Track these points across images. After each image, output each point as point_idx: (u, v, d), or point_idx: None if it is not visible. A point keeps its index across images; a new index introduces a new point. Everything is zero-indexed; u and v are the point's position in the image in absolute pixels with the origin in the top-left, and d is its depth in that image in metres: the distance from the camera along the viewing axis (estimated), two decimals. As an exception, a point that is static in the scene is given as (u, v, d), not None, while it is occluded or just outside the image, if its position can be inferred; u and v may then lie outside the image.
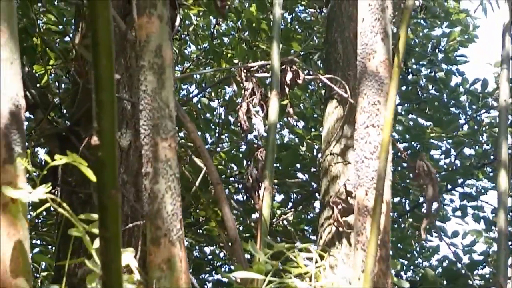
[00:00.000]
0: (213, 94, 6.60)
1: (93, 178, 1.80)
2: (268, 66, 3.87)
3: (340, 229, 3.46)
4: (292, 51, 5.98)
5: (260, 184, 3.45)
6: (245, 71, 3.47)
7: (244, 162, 6.77)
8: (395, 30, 2.49)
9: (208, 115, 6.68)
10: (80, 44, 3.50)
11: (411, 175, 2.79)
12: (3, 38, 1.85)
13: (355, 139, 2.22)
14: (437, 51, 7.25)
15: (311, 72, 4.10)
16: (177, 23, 3.62)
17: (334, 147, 4.04)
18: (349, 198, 3.43)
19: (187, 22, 6.40)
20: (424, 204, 7.42)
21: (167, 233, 2.00)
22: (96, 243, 1.90)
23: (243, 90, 3.62)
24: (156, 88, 2.06)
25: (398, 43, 2.13)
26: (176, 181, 2.07)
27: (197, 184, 3.87)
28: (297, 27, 7.52)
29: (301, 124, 7.24)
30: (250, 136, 6.63)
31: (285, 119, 6.48)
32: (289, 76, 3.36)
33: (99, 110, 1.35)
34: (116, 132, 1.42)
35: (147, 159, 2.06)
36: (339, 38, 4.38)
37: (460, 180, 7.03)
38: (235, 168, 7.04)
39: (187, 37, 6.65)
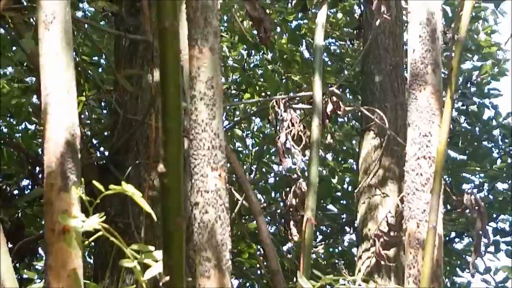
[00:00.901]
0: (243, 125, 6.61)
1: (148, 210, 1.80)
2: (303, 98, 3.88)
3: (382, 262, 3.42)
4: (330, 85, 5.99)
5: (297, 215, 3.42)
6: (284, 102, 3.47)
7: (273, 193, 6.76)
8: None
9: (237, 145, 6.69)
10: (121, 74, 3.53)
11: (457, 208, 2.77)
12: (61, 66, 1.87)
13: (405, 171, 2.19)
14: (469, 84, 7.21)
15: (351, 103, 4.10)
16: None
17: (371, 179, 4.01)
18: (391, 231, 3.40)
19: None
20: (456, 239, 7.33)
21: (217, 263, 1.99)
22: (147, 274, 1.88)
23: (282, 121, 3.62)
24: (207, 118, 2.07)
25: (451, 74, 2.12)
26: (226, 211, 2.06)
27: (233, 215, 3.85)
28: (327, 59, 7.54)
29: (329, 156, 7.23)
30: (277, 168, 6.63)
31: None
32: (329, 107, 3.36)
33: (166, 138, 1.36)
34: (182, 159, 1.41)
35: (197, 189, 2.05)
36: (376, 70, 4.39)
37: (493, 215, 6.93)
38: (264, 199, 7.02)
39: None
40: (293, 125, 3.57)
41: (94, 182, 1.84)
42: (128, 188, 1.83)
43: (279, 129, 3.67)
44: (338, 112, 3.37)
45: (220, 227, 2.04)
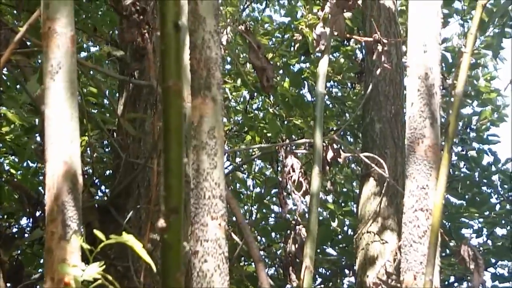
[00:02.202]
0: (245, 168, 6.65)
1: (148, 260, 1.82)
2: (306, 143, 3.91)
3: (381, 310, 3.42)
4: (330, 128, 6.03)
5: (297, 261, 3.44)
6: (285, 148, 3.51)
7: (273, 234, 6.76)
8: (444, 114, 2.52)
9: (238, 186, 6.71)
10: (124, 118, 3.58)
11: (456, 259, 2.77)
12: (65, 116, 1.91)
13: (403, 223, 2.22)
14: (468, 130, 7.26)
15: (350, 149, 4.13)
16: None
17: (371, 225, 4.02)
18: (389, 279, 3.40)
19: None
20: (455, 284, 7.30)
21: (216, 312, 2.00)
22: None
23: (283, 167, 3.65)
24: (208, 168, 2.10)
25: (448, 129, 2.15)
26: (225, 260, 2.08)
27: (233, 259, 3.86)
28: (329, 102, 7.60)
29: (330, 198, 7.24)
30: (278, 209, 6.64)
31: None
32: (330, 154, 3.40)
33: (167, 194, 1.39)
34: (182, 215, 1.44)
35: (197, 238, 2.08)
36: (376, 117, 4.43)
37: (492, 261, 6.92)
38: (264, 241, 7.01)
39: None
40: (293, 170, 3.60)
41: (95, 231, 1.86)
42: (128, 239, 1.85)
43: (281, 174, 3.70)
44: (339, 159, 3.41)
45: (219, 276, 2.06)
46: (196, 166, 2.10)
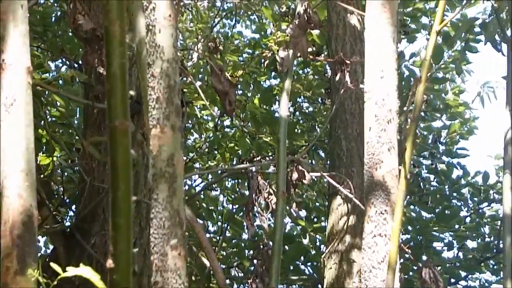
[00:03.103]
0: (217, 185, 6.64)
1: (105, 291, 1.81)
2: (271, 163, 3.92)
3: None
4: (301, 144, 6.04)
5: (264, 282, 3.44)
6: (251, 169, 3.52)
7: (246, 251, 6.75)
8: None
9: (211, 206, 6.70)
10: (88, 142, 3.56)
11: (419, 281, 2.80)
12: (20, 149, 1.90)
13: (363, 248, 2.24)
14: (438, 143, 7.33)
15: (317, 167, 4.16)
16: (183, 120, 3.69)
17: (339, 244, 4.04)
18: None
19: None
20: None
21: None
22: None
23: (250, 187, 3.66)
24: (167, 196, 2.10)
25: (404, 155, 2.18)
26: (185, 290, 2.08)
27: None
28: (299, 118, 7.63)
29: (303, 213, 7.25)
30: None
31: (287, 207, 6.48)
32: (295, 176, 3.41)
33: (115, 234, 1.39)
34: (131, 255, 1.44)
35: (157, 268, 2.07)
36: (343, 135, 4.46)
37: (463, 274, 6.98)
38: (236, 258, 7.00)
39: (191, 126, 6.75)
40: (260, 191, 3.60)
41: (52, 264, 1.85)
42: (85, 272, 1.84)
43: (248, 195, 3.71)
44: (304, 180, 3.42)
45: (179, 307, 2.06)
46: (155, 195, 2.10)
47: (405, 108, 2.26)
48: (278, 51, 3.38)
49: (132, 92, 3.43)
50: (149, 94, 2.19)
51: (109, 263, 1.37)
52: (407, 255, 6.92)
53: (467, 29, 5.53)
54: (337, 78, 3.47)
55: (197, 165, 7.03)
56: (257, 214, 3.54)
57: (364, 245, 2.22)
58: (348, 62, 3.50)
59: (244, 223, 6.82)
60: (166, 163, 2.12)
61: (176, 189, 2.11)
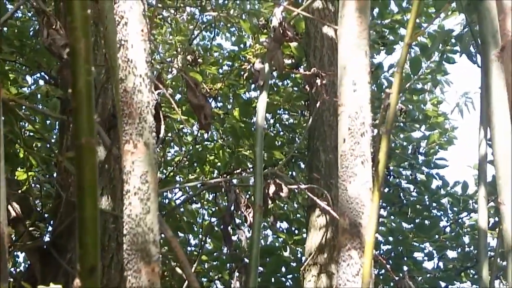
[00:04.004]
0: (196, 198, 6.62)
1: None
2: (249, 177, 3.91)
3: None
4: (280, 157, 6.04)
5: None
6: (228, 183, 3.51)
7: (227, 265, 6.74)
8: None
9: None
10: (64, 156, 3.54)
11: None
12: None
13: (338, 262, 2.23)
14: (417, 154, 7.37)
15: (294, 180, 4.16)
16: (161, 135, 3.68)
17: (317, 256, 4.04)
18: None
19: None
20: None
21: None
22: None
23: (227, 201, 3.65)
24: (141, 213, 2.09)
25: (377, 168, 2.18)
26: (159, 308, 2.06)
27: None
28: (280, 129, 7.65)
29: (284, 224, 7.25)
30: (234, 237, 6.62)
31: (268, 219, 6.48)
32: (272, 189, 3.41)
33: (83, 252, 1.38)
34: (99, 274, 1.43)
35: (131, 284, 2.05)
36: (321, 147, 4.47)
37: (443, 284, 7.00)
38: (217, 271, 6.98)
39: (171, 139, 6.74)
40: (237, 205, 3.59)
41: (23, 283, 1.83)
42: (56, 290, 1.83)
43: (225, 209, 3.69)
44: (281, 194, 3.42)
45: (153, 324, 2.04)
46: (128, 211, 2.08)
47: (377, 122, 2.26)
48: (253, 65, 3.38)
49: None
50: (122, 109, 2.18)
51: (76, 282, 1.35)
52: (389, 265, 6.94)
53: (444, 40, 5.56)
54: (313, 90, 3.48)
55: (177, 178, 7.02)
56: (235, 228, 3.53)
57: (339, 259, 2.21)
58: (324, 74, 3.51)
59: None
60: (139, 180, 2.11)
61: (150, 206, 2.10)
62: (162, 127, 3.66)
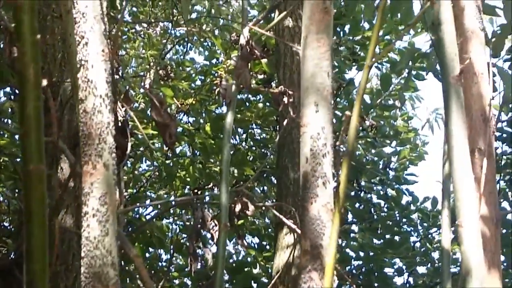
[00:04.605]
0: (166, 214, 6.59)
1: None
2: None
3: None
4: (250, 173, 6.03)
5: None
6: (194, 200, 3.50)
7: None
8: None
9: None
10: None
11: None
12: None
13: (299, 284, 2.23)
14: (388, 169, 7.42)
15: (266, 194, 4.15)
16: (128, 151, 3.65)
17: (285, 275, 4.03)
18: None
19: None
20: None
21: None
22: None
23: (194, 219, 3.63)
24: (100, 235, 2.07)
25: (338, 189, 2.18)
26: (117, 330, 2.04)
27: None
28: (251, 144, 7.65)
29: (255, 240, 7.23)
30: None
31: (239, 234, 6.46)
32: (238, 207, 3.40)
33: (31, 279, 1.36)
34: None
35: (88, 307, 2.03)
36: (290, 164, 4.47)
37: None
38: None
39: (142, 154, 6.70)
40: (204, 223, 3.58)
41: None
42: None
43: (191, 227, 3.68)
44: (247, 212, 3.41)
45: None
46: (86, 234, 2.06)
47: (337, 143, 2.27)
48: (220, 82, 3.38)
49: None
50: (81, 130, 2.16)
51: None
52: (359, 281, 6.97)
53: (413, 57, 5.61)
54: (280, 108, 3.49)
55: (148, 193, 6.99)
56: (201, 246, 3.52)
57: (300, 281, 2.21)
58: (291, 93, 3.52)
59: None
60: (98, 202, 2.09)
61: (108, 228, 2.08)
62: (129, 144, 3.63)
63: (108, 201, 2.11)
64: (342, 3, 6.97)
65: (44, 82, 1.27)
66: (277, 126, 7.18)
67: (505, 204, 6.26)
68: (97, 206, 2.09)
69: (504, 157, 5.98)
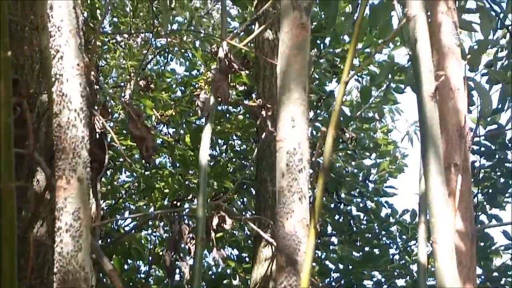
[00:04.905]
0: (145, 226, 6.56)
1: None
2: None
3: None
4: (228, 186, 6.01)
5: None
6: (170, 214, 3.48)
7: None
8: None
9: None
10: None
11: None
12: None
13: (274, 299, 2.22)
14: (367, 181, 7.44)
15: (246, 206, 4.14)
16: (105, 163, 3.63)
17: (262, 288, 4.02)
18: None
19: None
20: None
21: None
22: None
23: (171, 231, 3.61)
24: (73, 250, 2.05)
25: (314, 204, 2.18)
26: None
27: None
28: (231, 155, 7.64)
29: (235, 252, 7.22)
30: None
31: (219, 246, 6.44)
32: (215, 221, 3.38)
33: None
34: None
35: (61, 323, 2.01)
36: (268, 177, 4.47)
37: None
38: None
39: (121, 165, 6.67)
40: (181, 236, 3.56)
41: None
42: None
43: (170, 239, 3.65)
44: (225, 226, 3.40)
45: None
46: (59, 249, 2.04)
47: (313, 159, 2.27)
48: (199, 95, 3.37)
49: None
50: (56, 144, 2.15)
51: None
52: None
53: (392, 71, 5.64)
54: (258, 122, 3.49)
55: (127, 204, 6.95)
56: (178, 259, 3.50)
57: (275, 297, 2.20)
58: (269, 106, 3.52)
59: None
60: (71, 217, 2.07)
61: (82, 243, 2.06)
62: (107, 156, 3.61)
63: (82, 216, 2.09)
64: (323, 16, 7.01)
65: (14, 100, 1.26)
66: (257, 138, 7.20)
67: (483, 217, 6.30)
68: (70, 221, 2.07)
69: (482, 170, 6.02)
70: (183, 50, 9.24)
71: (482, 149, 5.91)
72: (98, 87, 4.01)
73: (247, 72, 5.78)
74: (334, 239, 7.38)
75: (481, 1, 3.80)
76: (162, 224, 6.11)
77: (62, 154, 2.14)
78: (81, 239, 2.08)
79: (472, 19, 3.90)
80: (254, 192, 7.04)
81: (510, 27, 4.01)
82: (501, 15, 4.08)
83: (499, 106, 4.18)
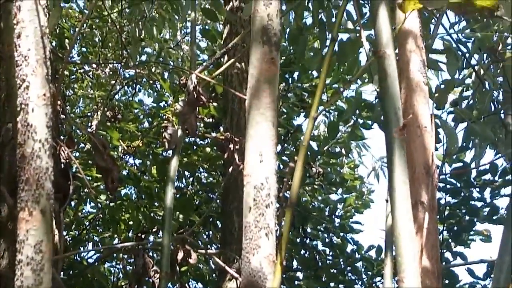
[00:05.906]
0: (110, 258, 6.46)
1: None
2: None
3: None
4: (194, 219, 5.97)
5: None
6: (134, 247, 3.43)
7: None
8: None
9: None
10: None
11: None
12: None
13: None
14: (333, 217, 7.44)
15: (212, 240, 4.09)
16: (70, 194, 3.57)
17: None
18: None
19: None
20: None
21: None
22: None
23: (135, 265, 3.55)
24: (33, 284, 2.00)
25: (280, 240, 2.16)
26: None
27: None
28: (198, 188, 7.59)
29: (200, 285, 7.14)
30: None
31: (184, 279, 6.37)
32: (180, 255, 3.34)
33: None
34: None
35: None
36: (235, 210, 4.44)
37: None
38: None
39: (85, 196, 6.58)
40: (146, 270, 3.50)
41: None
42: None
43: (133, 273, 3.59)
44: (190, 260, 3.36)
45: None
46: (19, 282, 1.99)
47: (281, 194, 2.25)
48: (166, 128, 3.35)
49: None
50: (19, 175, 2.11)
51: None
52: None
53: (360, 107, 5.69)
54: (225, 156, 3.47)
55: (91, 235, 6.84)
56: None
57: (240, 334, 2.17)
58: (237, 140, 3.51)
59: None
60: (33, 250, 2.03)
61: (43, 277, 2.02)
62: (71, 187, 3.56)
63: (44, 249, 2.04)
64: (292, 51, 7.06)
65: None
66: (224, 171, 7.17)
67: (448, 255, 6.33)
68: (31, 255, 2.03)
69: (447, 208, 6.06)
70: (151, 81, 9.23)
71: (448, 186, 5.96)
72: (64, 116, 3.97)
73: (215, 104, 5.78)
74: (299, 274, 7.34)
75: (447, 41, 3.86)
76: (126, 256, 6.03)
77: (25, 185, 2.10)
78: (42, 272, 2.03)
79: (439, 58, 3.96)
80: (220, 226, 7.00)
81: (475, 67, 4.08)
82: (467, 55, 4.14)
83: (464, 144, 4.23)
